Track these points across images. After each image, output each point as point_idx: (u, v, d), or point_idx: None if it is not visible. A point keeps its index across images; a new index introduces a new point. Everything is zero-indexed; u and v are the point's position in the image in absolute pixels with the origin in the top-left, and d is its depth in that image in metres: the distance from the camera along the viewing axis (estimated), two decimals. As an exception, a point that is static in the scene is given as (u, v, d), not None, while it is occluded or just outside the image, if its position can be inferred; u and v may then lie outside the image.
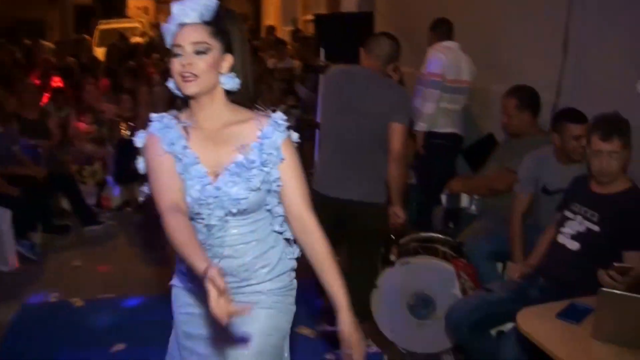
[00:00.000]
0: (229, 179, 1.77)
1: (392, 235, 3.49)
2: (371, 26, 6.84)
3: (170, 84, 1.81)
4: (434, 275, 3.33)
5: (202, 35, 1.73)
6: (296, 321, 2.02)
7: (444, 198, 4.03)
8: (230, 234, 1.83)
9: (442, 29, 4.68)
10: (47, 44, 11.36)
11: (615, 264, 2.36)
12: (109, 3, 30.75)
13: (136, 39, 13.93)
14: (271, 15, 18.13)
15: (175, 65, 1.73)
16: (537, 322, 2.23)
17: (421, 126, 4.54)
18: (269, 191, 1.83)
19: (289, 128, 1.83)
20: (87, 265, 4.82)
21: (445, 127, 4.57)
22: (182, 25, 1.75)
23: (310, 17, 12.88)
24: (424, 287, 3.35)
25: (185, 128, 1.81)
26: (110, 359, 3.46)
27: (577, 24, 3.85)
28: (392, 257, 3.50)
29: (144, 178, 1.86)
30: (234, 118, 1.82)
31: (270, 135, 1.79)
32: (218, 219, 1.79)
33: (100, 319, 3.93)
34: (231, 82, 1.78)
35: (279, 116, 1.83)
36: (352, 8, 8.23)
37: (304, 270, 1.94)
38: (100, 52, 11.82)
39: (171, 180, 1.76)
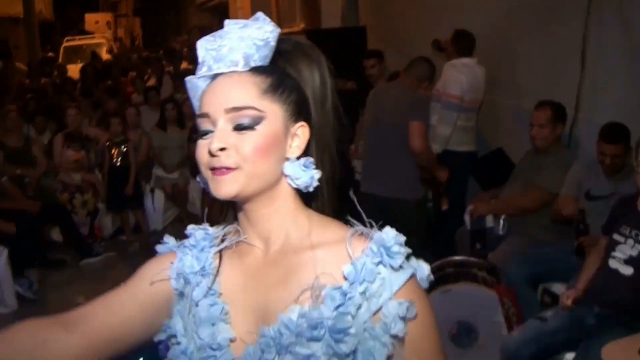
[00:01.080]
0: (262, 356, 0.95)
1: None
2: (364, 40, 6.79)
3: (199, 178, 1.03)
4: (476, 303, 3.23)
5: (245, 95, 0.96)
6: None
7: (467, 219, 3.94)
8: None
9: (463, 44, 4.54)
10: (19, 65, 11.01)
11: None
12: (67, 19, 30.24)
13: (107, 57, 13.62)
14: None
15: (200, 150, 0.98)
16: (621, 357, 2.15)
17: (435, 148, 4.41)
18: None
19: (408, 257, 0.99)
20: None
21: (462, 146, 4.49)
22: (213, 77, 0.99)
23: (286, 30, 12.78)
24: (467, 315, 3.24)
25: (220, 253, 1.05)
26: None
27: (595, 39, 3.83)
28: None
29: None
30: (306, 238, 1.00)
31: (369, 275, 0.94)
32: None
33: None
34: (305, 176, 0.99)
35: (392, 236, 0.97)
36: (335, 23, 8.17)
37: None
38: (70, 71, 11.50)
39: (114, 309, 1.03)
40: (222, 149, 0.94)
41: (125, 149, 5.93)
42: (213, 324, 0.99)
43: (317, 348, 0.92)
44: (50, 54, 13.88)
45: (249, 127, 0.95)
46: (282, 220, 1.01)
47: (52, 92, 8.65)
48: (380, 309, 0.94)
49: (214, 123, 0.96)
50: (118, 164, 5.92)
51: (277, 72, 1.00)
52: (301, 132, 1.00)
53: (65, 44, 16.26)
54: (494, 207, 3.82)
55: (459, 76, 4.41)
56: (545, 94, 3.87)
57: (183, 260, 1.04)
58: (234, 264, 1.04)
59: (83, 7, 30.85)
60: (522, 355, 2.72)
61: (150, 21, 36.59)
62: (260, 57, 0.98)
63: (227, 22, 0.99)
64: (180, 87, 9.22)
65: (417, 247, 2.97)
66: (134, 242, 5.78)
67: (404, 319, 0.93)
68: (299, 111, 1.00)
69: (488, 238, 3.81)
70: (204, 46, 0.98)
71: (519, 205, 3.69)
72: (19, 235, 4.72)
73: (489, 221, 3.84)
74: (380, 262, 0.94)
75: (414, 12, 6.62)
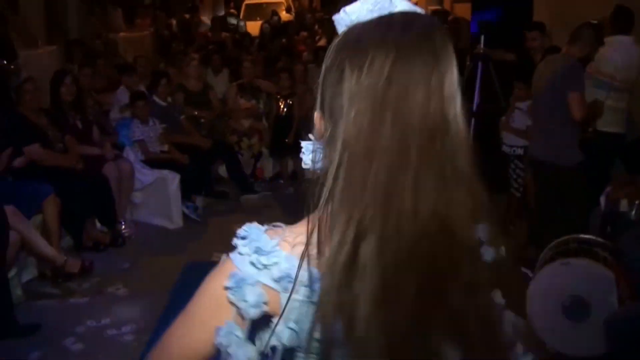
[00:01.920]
0: None
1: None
2: (530, 11, 6.65)
3: None
4: (593, 280, 3.28)
5: None
6: None
7: (602, 200, 3.93)
8: None
9: (621, 21, 4.42)
10: (204, 19, 12.06)
11: None
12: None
13: (286, 16, 14.37)
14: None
15: None
16: None
17: None
18: None
19: None
20: (247, 231, 5.20)
21: (609, 126, 4.40)
22: None
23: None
24: (582, 290, 3.31)
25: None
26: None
27: None
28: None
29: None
30: None
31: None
32: None
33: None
34: None
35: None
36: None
37: None
38: (249, 27, 12.36)
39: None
40: None
41: (290, 102, 6.49)
42: None
43: None
44: (232, 10, 14.92)
45: None
46: None
47: (231, 46, 9.45)
48: None
49: None
50: (283, 114, 6.51)
51: None
52: None
53: (246, 2, 17.27)
54: (630, 192, 3.76)
55: (613, 54, 4.30)
56: None
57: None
58: None
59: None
60: (624, 330, 2.77)
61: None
62: None
63: None
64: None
65: (573, 214, 3.22)
66: (290, 186, 6.35)
67: None
68: None
69: (620, 222, 3.78)
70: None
71: None
72: (191, 166, 5.45)
73: (624, 205, 3.79)
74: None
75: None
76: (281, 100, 6.52)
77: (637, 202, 3.71)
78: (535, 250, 4.26)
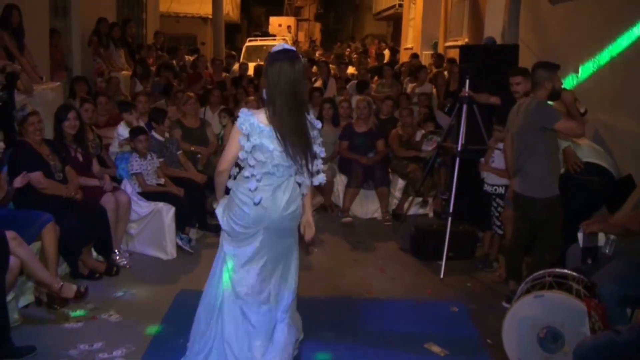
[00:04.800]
0: None
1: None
2: (516, 58, 6.96)
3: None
4: (565, 312, 3.44)
5: None
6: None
7: (580, 236, 4.09)
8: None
9: None
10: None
11: None
12: (251, 21, 32.65)
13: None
14: (410, 38, 18.47)
15: None
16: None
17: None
18: None
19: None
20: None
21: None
22: None
23: (451, 43, 13.07)
24: (555, 321, 3.47)
25: None
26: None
27: None
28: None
29: None
30: None
31: None
32: None
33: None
34: None
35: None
36: (495, 37, 8.35)
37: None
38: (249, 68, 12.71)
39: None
40: None
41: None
42: None
43: None
44: (232, 52, 15.38)
45: None
46: None
47: (230, 85, 9.74)
48: None
49: None
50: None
51: None
52: None
53: (247, 44, 17.79)
54: (604, 227, 3.92)
55: None
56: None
57: None
58: None
59: (268, 11, 33.12)
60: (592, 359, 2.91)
61: (329, 27, 38.24)
62: None
63: None
64: (343, 90, 9.96)
65: (549, 243, 3.40)
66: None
67: None
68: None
69: (599, 256, 3.93)
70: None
71: (625, 226, 3.78)
72: (186, 199, 5.63)
73: (601, 240, 3.95)
74: None
75: (568, 34, 6.70)
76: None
77: (611, 237, 3.88)
78: (515, 284, 4.43)
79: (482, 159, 5.30)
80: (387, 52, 19.79)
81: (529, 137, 4.36)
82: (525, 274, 4.41)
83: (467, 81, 5.35)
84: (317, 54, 20.52)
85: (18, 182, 4.27)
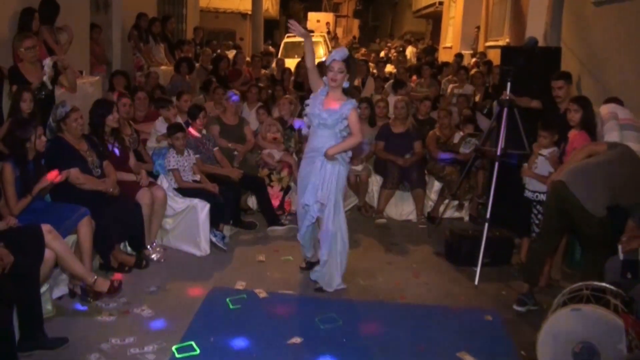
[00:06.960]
0: None
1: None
2: (558, 61, 6.78)
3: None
4: (602, 327, 3.32)
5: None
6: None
7: (620, 248, 3.96)
8: None
9: None
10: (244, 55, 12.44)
11: None
12: (290, 17, 32.71)
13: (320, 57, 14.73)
14: (449, 37, 18.23)
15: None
16: None
17: None
18: None
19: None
20: (271, 262, 5.34)
21: None
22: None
23: (492, 43, 12.84)
24: (592, 337, 3.35)
25: None
26: (285, 351, 3.81)
27: None
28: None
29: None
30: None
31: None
32: None
33: (281, 312, 4.34)
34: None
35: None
36: (538, 37, 8.16)
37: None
38: (287, 64, 12.71)
39: None
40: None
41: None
42: None
43: None
44: (271, 48, 15.41)
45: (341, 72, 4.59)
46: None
47: (267, 82, 9.75)
48: None
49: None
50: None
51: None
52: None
53: (285, 40, 17.81)
54: (640, 241, 3.80)
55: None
56: None
57: None
58: None
59: (307, 7, 33.14)
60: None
61: (368, 23, 38.05)
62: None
63: None
64: (381, 89, 9.87)
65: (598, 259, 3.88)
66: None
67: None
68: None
69: (638, 270, 3.81)
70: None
71: None
72: (221, 196, 5.64)
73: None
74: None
75: (612, 37, 6.50)
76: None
77: (651, 250, 3.75)
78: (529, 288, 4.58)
79: (525, 164, 5.17)
80: (410, 50, 19.47)
81: None
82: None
83: (509, 84, 5.23)
84: (360, 53, 20.39)
85: (52, 176, 4.26)
